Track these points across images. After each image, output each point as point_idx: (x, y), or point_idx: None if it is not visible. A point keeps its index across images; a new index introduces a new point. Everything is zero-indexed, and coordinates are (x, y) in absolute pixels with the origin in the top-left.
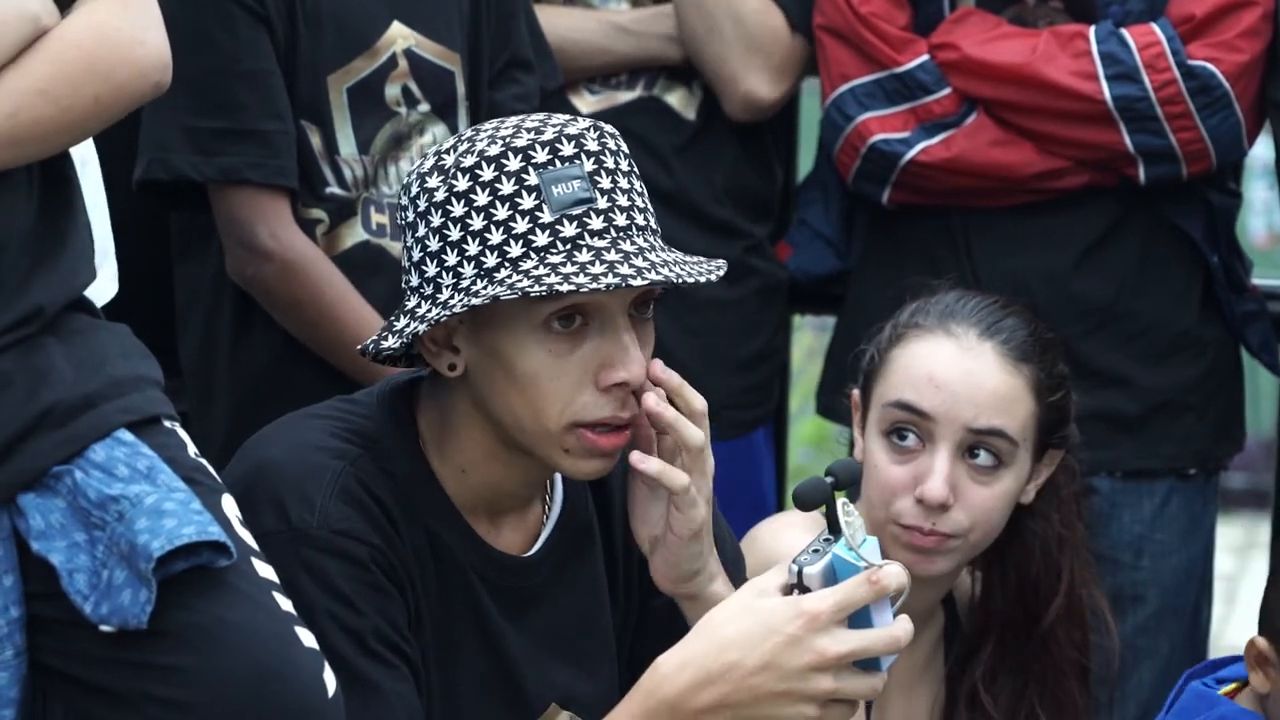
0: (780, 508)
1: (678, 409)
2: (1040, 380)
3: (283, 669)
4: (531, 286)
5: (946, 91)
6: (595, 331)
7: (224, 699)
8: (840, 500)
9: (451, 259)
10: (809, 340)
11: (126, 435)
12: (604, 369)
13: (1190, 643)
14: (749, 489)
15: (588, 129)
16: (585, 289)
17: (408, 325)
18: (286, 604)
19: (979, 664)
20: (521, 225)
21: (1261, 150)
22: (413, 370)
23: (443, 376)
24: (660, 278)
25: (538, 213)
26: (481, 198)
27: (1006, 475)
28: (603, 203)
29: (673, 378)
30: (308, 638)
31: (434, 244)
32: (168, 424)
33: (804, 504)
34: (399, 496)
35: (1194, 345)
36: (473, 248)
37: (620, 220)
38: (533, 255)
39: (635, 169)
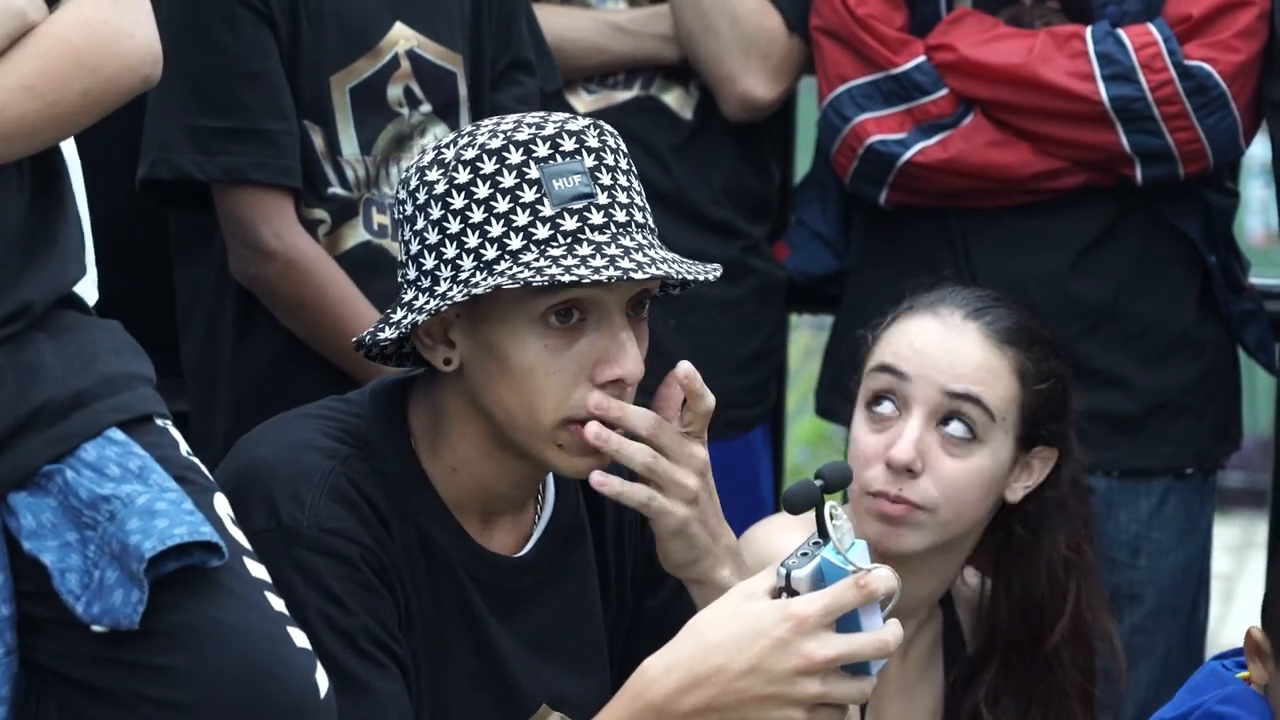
0: (777, 508)
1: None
2: (1025, 366)
3: (275, 669)
4: (533, 277)
5: (943, 93)
6: (592, 328)
7: (217, 699)
8: (829, 504)
9: (450, 251)
10: (806, 340)
11: (118, 434)
12: (600, 365)
13: (1187, 642)
14: (746, 489)
15: (588, 126)
16: (587, 280)
17: (404, 317)
18: (279, 604)
19: (982, 684)
20: (522, 218)
21: (1259, 149)
22: (406, 370)
23: (436, 374)
24: (661, 272)
25: (538, 206)
26: (482, 190)
27: (981, 452)
28: (603, 198)
29: (694, 383)
30: (300, 638)
31: (433, 236)
32: (160, 422)
33: (793, 507)
34: (390, 495)
35: (1192, 345)
36: (472, 240)
37: (620, 216)
38: (533, 248)
39: (634, 169)
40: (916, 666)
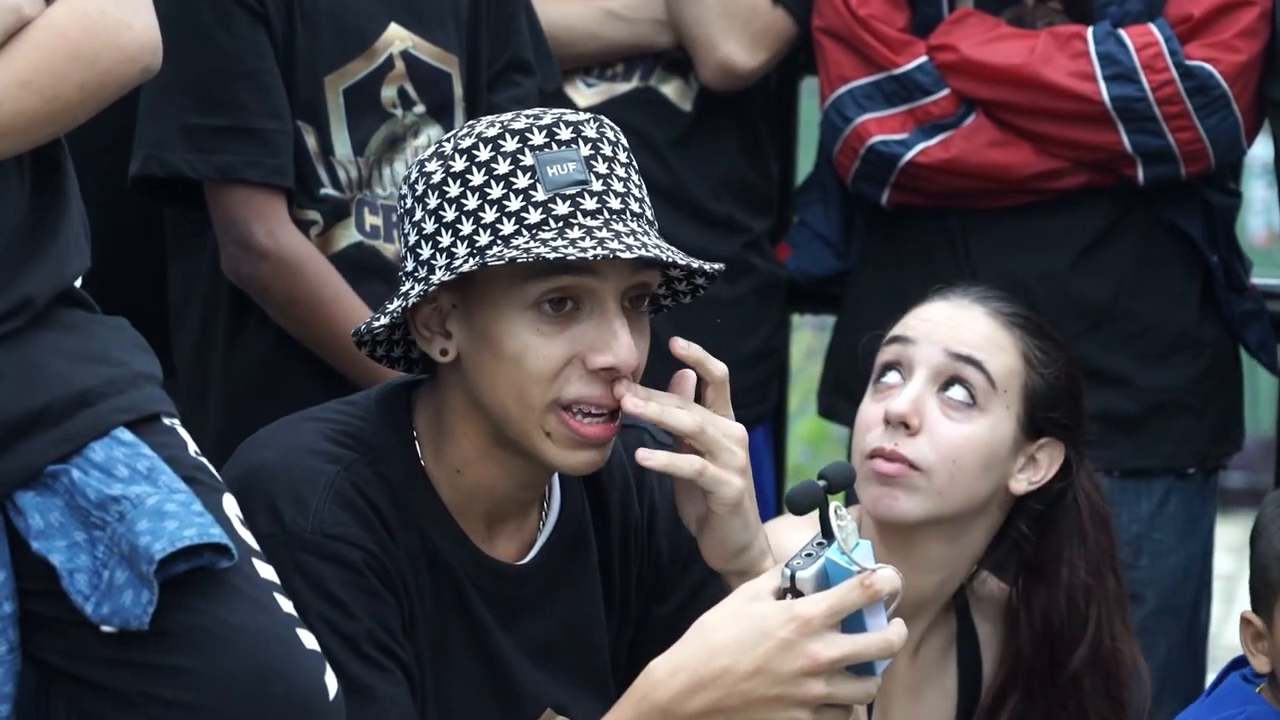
0: (779, 507)
1: (700, 380)
2: (1030, 348)
3: (284, 670)
4: (519, 255)
5: (945, 93)
6: (585, 316)
7: (226, 700)
8: (833, 504)
9: (446, 239)
10: (808, 340)
11: (126, 435)
12: (592, 352)
13: (1189, 642)
14: None
15: (587, 119)
16: (572, 257)
17: (397, 304)
18: (288, 605)
19: (1005, 713)
20: (515, 203)
21: (1260, 149)
22: (411, 375)
23: (439, 376)
24: (651, 254)
25: (531, 191)
26: (477, 177)
27: (980, 420)
28: (597, 185)
29: (693, 350)
30: (309, 639)
31: (429, 226)
32: (167, 421)
33: (796, 508)
34: (394, 501)
35: (1192, 345)
36: (466, 227)
37: (614, 204)
38: (525, 232)
39: (634, 164)
40: (926, 668)
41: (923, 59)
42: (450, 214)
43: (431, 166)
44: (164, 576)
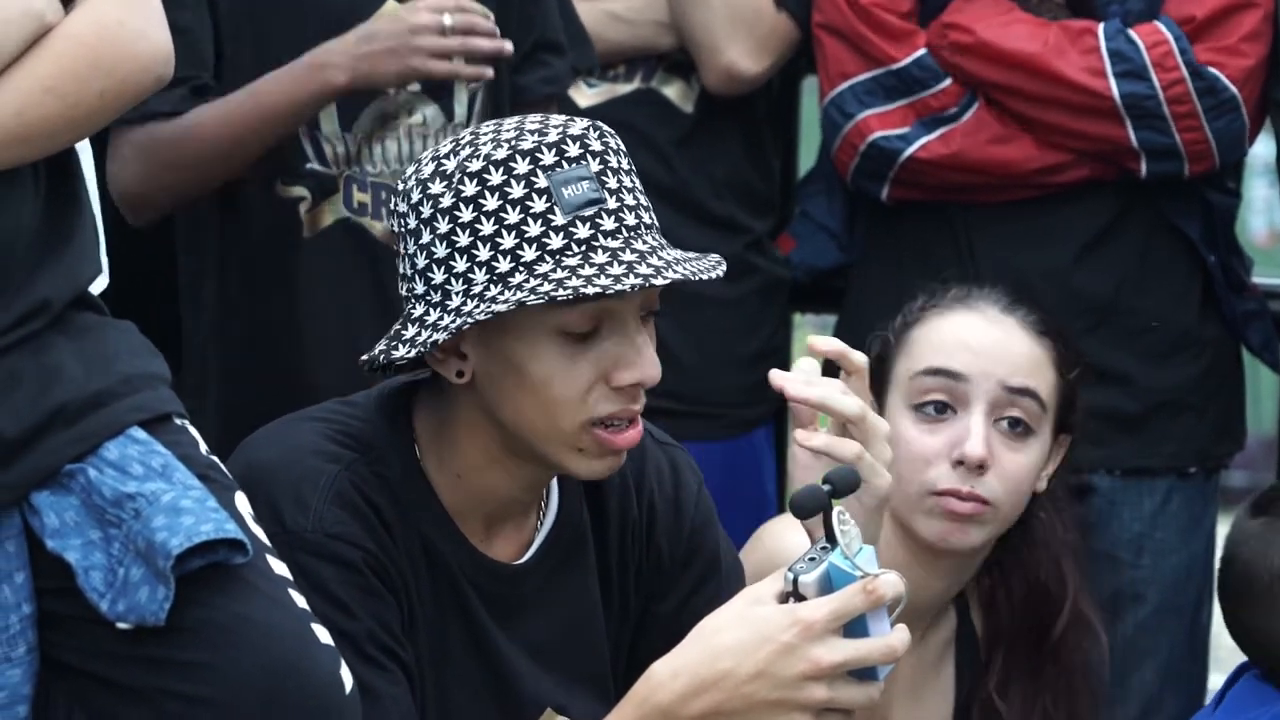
0: (781, 507)
1: (841, 369)
2: (1060, 354)
3: (301, 665)
4: (554, 290)
5: (946, 84)
6: (608, 333)
7: (242, 695)
8: (837, 508)
9: (461, 265)
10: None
11: (140, 433)
12: (617, 369)
13: (1191, 641)
14: (750, 488)
15: (589, 129)
16: (611, 291)
17: (420, 334)
18: (302, 601)
19: (992, 675)
20: (534, 229)
21: (1262, 149)
22: (410, 374)
23: (443, 386)
24: (679, 275)
25: (549, 215)
26: (491, 202)
27: (1034, 444)
28: (612, 203)
29: (833, 344)
30: (324, 635)
31: (441, 250)
32: (178, 421)
33: (800, 512)
34: (393, 500)
35: (1194, 344)
36: (484, 253)
37: (630, 220)
38: (548, 259)
39: (634, 169)
40: (928, 666)
41: (921, 51)
42: (464, 239)
43: (437, 188)
44: (179, 572)
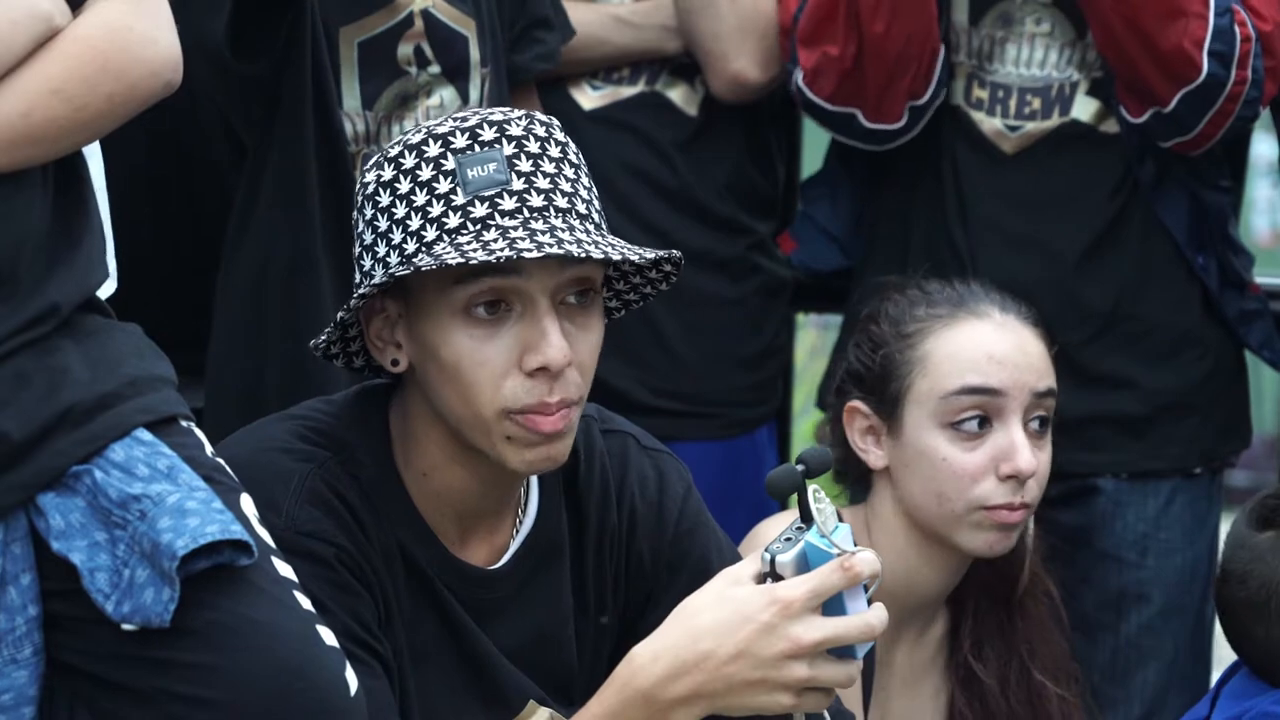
0: (782, 507)
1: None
2: (1047, 339)
3: (305, 667)
4: (426, 264)
5: None
6: (516, 317)
7: (247, 697)
8: (811, 487)
9: (381, 249)
10: (812, 339)
11: (145, 435)
12: (525, 354)
13: (1195, 641)
14: (751, 488)
15: (517, 117)
16: (474, 261)
17: (340, 314)
18: (306, 602)
19: (964, 639)
20: (436, 209)
21: (1265, 149)
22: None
23: (406, 378)
24: (560, 251)
25: (451, 196)
26: (404, 185)
27: (1049, 437)
28: (518, 184)
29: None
30: (329, 636)
31: (368, 237)
32: (184, 423)
33: (775, 492)
34: (365, 499)
35: (1197, 345)
36: (397, 236)
37: (536, 201)
38: (445, 238)
39: (579, 162)
40: (924, 660)
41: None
42: (383, 223)
43: (369, 176)
44: (185, 573)
